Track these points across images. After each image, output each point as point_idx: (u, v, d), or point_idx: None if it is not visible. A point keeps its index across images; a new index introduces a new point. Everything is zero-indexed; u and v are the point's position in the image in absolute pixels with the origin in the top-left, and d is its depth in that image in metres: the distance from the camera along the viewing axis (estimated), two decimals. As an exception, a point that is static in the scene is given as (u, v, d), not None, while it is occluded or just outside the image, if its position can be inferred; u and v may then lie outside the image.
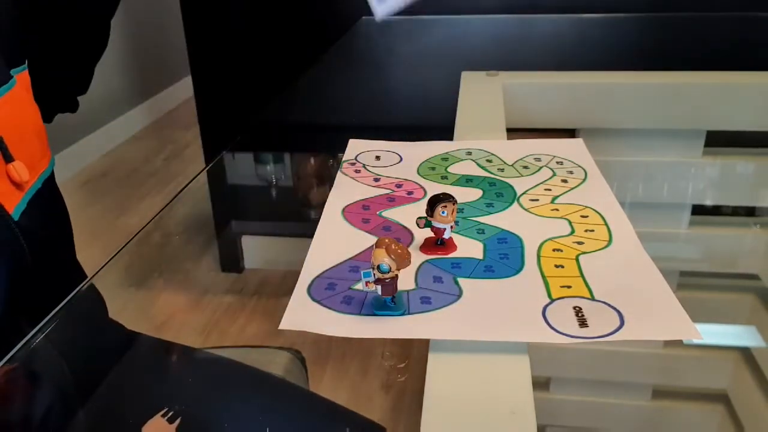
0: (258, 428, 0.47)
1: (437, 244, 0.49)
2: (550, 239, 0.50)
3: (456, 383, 0.37)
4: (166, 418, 0.43)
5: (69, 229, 0.63)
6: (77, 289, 0.49)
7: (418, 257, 0.48)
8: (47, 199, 0.58)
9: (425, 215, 0.49)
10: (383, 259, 0.40)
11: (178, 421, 0.43)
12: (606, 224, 0.53)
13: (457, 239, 0.50)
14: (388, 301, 0.42)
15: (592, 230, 0.52)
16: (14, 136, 0.52)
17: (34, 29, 0.62)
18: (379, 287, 0.41)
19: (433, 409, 0.35)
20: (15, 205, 0.52)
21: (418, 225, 0.49)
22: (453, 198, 0.48)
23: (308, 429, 0.49)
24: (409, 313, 0.42)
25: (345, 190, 0.60)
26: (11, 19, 0.56)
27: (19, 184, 0.53)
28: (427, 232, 0.50)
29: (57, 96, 0.70)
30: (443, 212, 0.47)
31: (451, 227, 0.49)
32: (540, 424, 0.34)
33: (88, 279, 0.51)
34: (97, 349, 0.51)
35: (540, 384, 0.38)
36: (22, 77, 0.56)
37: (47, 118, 0.69)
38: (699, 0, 1.42)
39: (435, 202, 0.48)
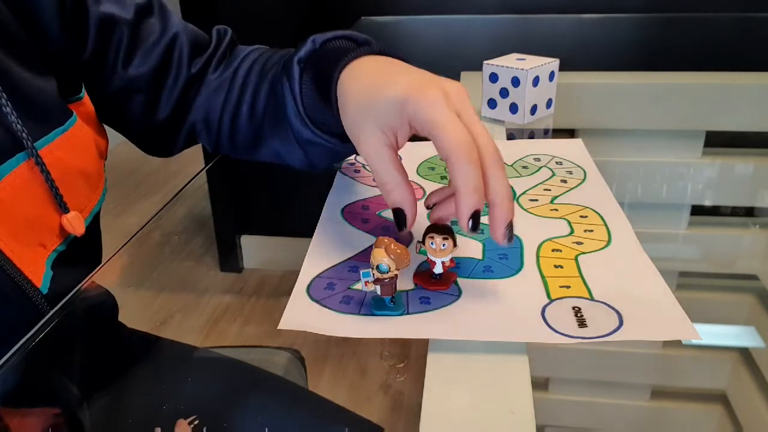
0: (257, 428, 0.47)
1: (432, 277, 0.45)
2: (549, 239, 0.50)
3: (455, 383, 0.37)
4: (192, 426, 0.43)
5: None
6: (76, 288, 0.49)
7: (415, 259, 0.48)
8: (82, 251, 0.52)
9: (421, 240, 0.44)
10: (382, 259, 0.40)
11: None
12: (605, 224, 0.53)
13: (457, 239, 0.50)
14: (387, 301, 0.42)
15: (592, 230, 0.52)
16: (65, 182, 0.48)
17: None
18: (378, 287, 0.41)
19: (432, 409, 0.35)
20: (42, 273, 0.47)
21: (415, 249, 0.45)
22: (449, 231, 0.43)
23: (307, 429, 0.49)
24: (408, 313, 0.42)
25: (344, 190, 0.60)
26: (64, 44, 0.52)
27: (68, 235, 0.49)
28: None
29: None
30: (431, 243, 0.42)
31: (444, 264, 0.44)
32: (539, 424, 0.34)
33: (87, 279, 0.51)
34: (98, 350, 0.51)
35: (539, 384, 0.38)
36: (78, 108, 0.52)
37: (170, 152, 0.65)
38: (699, 0, 1.41)
39: (426, 230, 0.43)
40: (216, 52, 0.62)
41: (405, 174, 0.44)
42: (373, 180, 0.59)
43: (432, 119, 0.41)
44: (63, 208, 0.48)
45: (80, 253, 0.52)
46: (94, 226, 0.55)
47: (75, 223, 0.49)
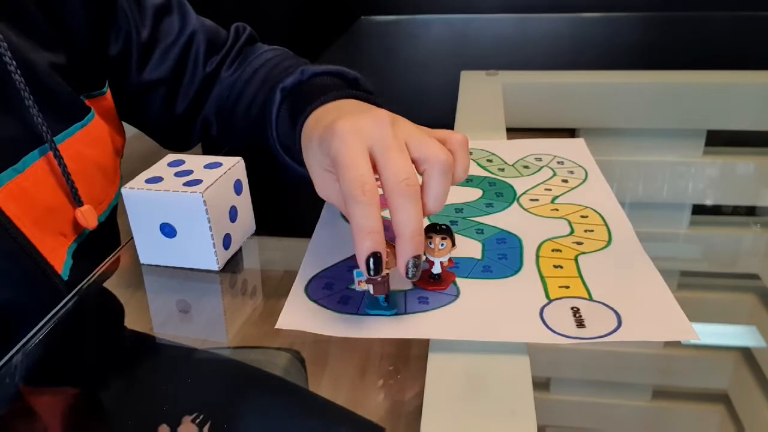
0: (257, 428, 0.47)
1: (430, 277, 0.45)
2: (549, 239, 0.50)
3: (456, 383, 0.37)
4: (195, 423, 0.43)
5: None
6: (77, 288, 0.49)
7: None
8: (100, 243, 0.53)
9: None
10: None
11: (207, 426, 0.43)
12: (606, 224, 0.52)
13: (457, 239, 0.50)
14: (381, 301, 0.42)
15: (592, 230, 0.52)
16: (82, 176, 0.49)
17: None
18: (370, 286, 0.41)
19: (433, 410, 0.35)
20: (63, 261, 0.49)
21: None
22: (447, 230, 0.43)
23: (307, 429, 0.49)
24: (406, 313, 0.42)
25: (344, 190, 0.60)
26: (88, 41, 0.53)
27: (82, 228, 0.51)
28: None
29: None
30: (430, 243, 0.42)
31: (443, 264, 0.44)
32: (540, 424, 0.34)
33: (87, 279, 0.51)
34: (100, 351, 0.51)
35: (540, 384, 0.38)
36: (99, 103, 0.53)
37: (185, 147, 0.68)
38: (699, 0, 1.42)
39: (425, 230, 0.42)
40: (231, 50, 0.64)
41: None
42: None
43: (334, 156, 0.38)
44: (77, 202, 0.50)
45: (98, 246, 0.54)
46: (110, 221, 0.56)
47: (88, 217, 0.50)
